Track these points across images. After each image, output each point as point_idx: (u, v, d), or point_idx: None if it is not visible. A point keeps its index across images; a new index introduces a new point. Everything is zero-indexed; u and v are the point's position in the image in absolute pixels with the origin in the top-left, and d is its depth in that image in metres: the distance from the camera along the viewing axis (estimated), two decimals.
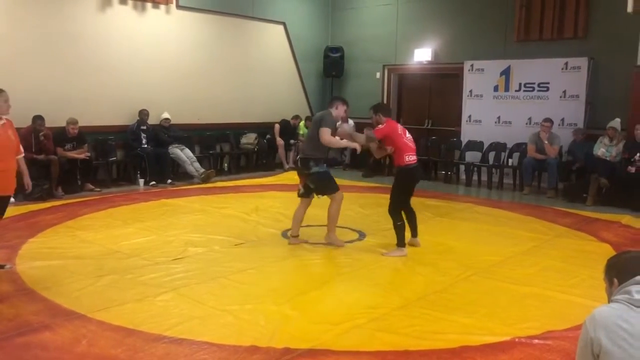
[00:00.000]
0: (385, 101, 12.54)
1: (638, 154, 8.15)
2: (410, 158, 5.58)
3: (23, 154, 5.07)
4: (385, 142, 5.65)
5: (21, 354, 3.33)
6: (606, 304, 2.07)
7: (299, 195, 5.90)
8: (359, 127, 7.82)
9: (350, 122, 10.32)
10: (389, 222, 6.35)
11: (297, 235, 5.94)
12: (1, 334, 3.56)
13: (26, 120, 8.04)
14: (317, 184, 5.69)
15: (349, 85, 13.01)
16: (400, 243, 5.63)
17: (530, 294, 4.55)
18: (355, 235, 6.33)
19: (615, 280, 2.14)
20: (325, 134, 5.51)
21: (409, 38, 11.92)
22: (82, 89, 9.13)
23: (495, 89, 10.56)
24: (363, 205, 7.95)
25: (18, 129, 5.17)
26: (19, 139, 4.94)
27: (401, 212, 5.66)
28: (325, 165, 5.74)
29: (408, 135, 5.69)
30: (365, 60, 12.66)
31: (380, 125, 5.59)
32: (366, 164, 11.23)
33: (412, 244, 5.84)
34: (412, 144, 5.66)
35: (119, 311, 3.98)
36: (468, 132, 10.89)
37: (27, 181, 5.11)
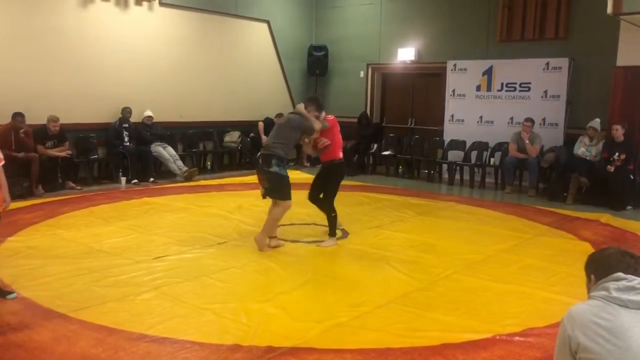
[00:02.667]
0: (369, 100, 12.61)
1: (617, 154, 8.26)
2: (341, 154, 6.03)
3: (2, 162, 4.09)
4: (326, 133, 5.90)
5: (0, 354, 3.28)
6: (583, 302, 2.10)
7: (264, 197, 5.76)
8: None
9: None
10: (372, 221, 6.41)
11: (275, 236, 5.80)
12: None
13: (6, 117, 7.94)
14: (273, 184, 5.53)
15: (333, 83, 13.02)
16: (333, 233, 6.00)
17: (511, 291, 4.60)
18: (339, 234, 6.33)
19: (593, 277, 2.18)
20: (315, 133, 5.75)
21: (393, 37, 11.97)
22: (63, 86, 9.03)
23: (478, 88, 10.64)
24: (346, 204, 7.93)
25: None
26: None
27: (333, 203, 5.96)
28: (285, 169, 5.58)
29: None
30: (349, 59, 12.68)
31: (329, 116, 6.04)
32: (349, 163, 11.23)
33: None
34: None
35: (99, 310, 3.95)
36: (451, 132, 10.95)
37: (5, 196, 4.09)
